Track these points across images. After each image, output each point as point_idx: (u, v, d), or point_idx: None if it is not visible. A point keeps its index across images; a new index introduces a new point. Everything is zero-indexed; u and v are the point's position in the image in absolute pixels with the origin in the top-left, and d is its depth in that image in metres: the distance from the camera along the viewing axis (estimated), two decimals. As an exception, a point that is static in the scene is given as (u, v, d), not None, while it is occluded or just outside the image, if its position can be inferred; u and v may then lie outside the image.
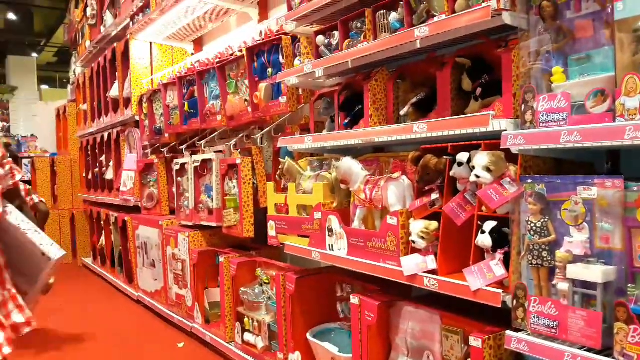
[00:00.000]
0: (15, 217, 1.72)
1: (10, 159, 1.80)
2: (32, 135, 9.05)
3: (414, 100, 1.67)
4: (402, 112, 1.69)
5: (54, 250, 1.72)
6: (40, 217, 2.88)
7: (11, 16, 12.72)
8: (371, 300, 1.69)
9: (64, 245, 5.56)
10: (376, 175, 1.78)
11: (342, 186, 1.82)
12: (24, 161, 8.13)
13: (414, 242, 1.51)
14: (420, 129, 1.49)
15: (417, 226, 1.50)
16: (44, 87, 17.06)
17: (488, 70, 1.50)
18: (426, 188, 1.56)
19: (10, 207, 1.73)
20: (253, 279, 2.54)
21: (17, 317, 1.67)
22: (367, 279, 1.91)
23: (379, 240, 1.62)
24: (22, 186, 2.03)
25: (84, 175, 5.36)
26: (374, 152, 2.01)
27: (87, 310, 3.78)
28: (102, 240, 4.74)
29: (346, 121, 1.87)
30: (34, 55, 15.54)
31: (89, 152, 5.13)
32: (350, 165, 1.76)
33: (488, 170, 1.32)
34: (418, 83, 1.71)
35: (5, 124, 14.22)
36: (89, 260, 5.28)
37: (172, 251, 3.16)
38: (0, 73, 15.76)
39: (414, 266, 1.51)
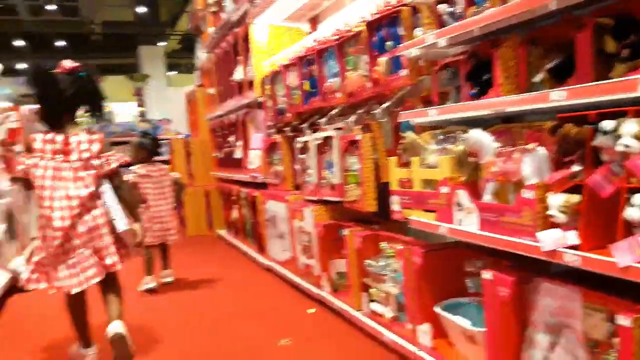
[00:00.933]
0: (107, 194, 2.36)
1: (111, 152, 2.41)
2: (166, 119, 9.87)
3: (549, 66, 1.56)
4: (536, 79, 1.59)
5: (119, 224, 2.36)
6: (177, 190, 3.96)
7: (140, 9, 13.75)
8: (505, 276, 1.65)
9: (200, 218, 6.10)
10: (508, 147, 1.71)
11: (471, 159, 1.77)
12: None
13: (553, 216, 1.44)
14: (559, 97, 1.40)
15: (557, 200, 1.42)
16: (172, 73, 18.42)
17: (635, 29, 1.36)
18: (565, 160, 1.46)
19: (106, 186, 2.36)
20: (377, 252, 2.59)
21: (108, 260, 2.32)
22: (498, 254, 1.86)
23: (514, 214, 1.56)
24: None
25: (215, 154, 5.75)
26: (502, 122, 1.93)
27: (224, 276, 4.11)
28: (235, 213, 5.09)
29: (473, 91, 1.80)
30: (161, 44, 16.75)
31: (219, 133, 5.48)
32: (479, 137, 1.70)
33: (638, 139, 1.21)
34: (552, 48, 1.60)
35: (142, 109, 15.63)
36: (223, 232, 5.71)
37: (298, 224, 3.31)
38: (133, 63, 17.26)
39: (553, 241, 1.44)
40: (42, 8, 13.14)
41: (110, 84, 17.99)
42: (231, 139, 5.03)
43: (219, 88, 5.21)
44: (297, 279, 3.46)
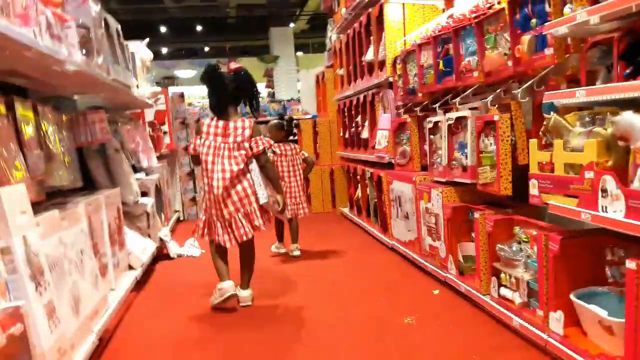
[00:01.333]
0: (255, 171, 2.93)
1: (259, 137, 2.97)
2: (294, 99, 10.26)
3: None
4: (703, 57, 1.47)
5: (261, 196, 2.91)
6: (307, 167, 4.35)
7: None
8: (654, 267, 1.56)
9: (324, 195, 6.33)
10: (665, 130, 1.59)
11: (621, 143, 1.68)
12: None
13: None
14: None
15: None
16: (299, 53, 18.98)
17: None
18: None
19: (254, 164, 2.94)
20: (509, 237, 2.54)
21: (256, 222, 2.93)
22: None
23: (668, 202, 1.47)
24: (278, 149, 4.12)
25: (342, 134, 5.91)
26: (659, 104, 1.79)
27: (347, 253, 4.26)
28: (358, 192, 5.23)
29: (627, 71, 1.70)
30: (291, 25, 17.28)
31: (346, 114, 5.62)
32: (632, 120, 1.61)
33: None
34: None
35: (270, 89, 16.35)
36: (346, 210, 5.88)
37: (425, 205, 3.33)
38: (265, 44, 18.05)
39: None
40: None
41: (244, 66, 19.11)
42: (358, 119, 5.14)
43: (348, 69, 5.33)
44: (422, 260, 3.50)
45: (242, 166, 2.86)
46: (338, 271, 3.76)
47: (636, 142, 1.61)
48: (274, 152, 4.11)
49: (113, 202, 3.23)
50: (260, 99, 3.21)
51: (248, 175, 2.91)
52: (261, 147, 2.93)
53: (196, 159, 2.97)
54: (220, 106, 2.96)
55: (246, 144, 2.90)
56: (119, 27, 3.60)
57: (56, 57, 2.10)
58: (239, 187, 2.87)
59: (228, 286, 3.00)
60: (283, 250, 4.35)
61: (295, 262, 4.08)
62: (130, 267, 3.47)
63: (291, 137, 4.69)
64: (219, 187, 2.82)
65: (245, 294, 3.09)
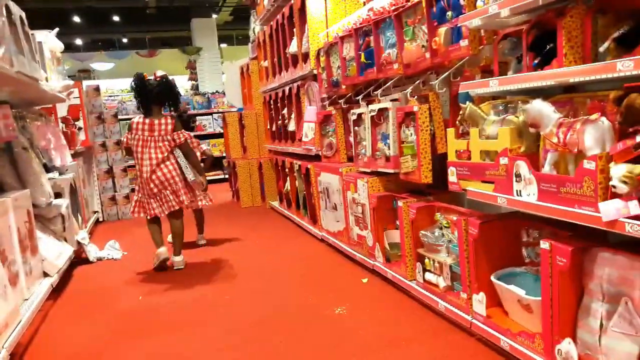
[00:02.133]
0: (180, 158, 3.69)
1: (180, 131, 3.69)
2: (219, 92, 10.06)
3: (615, 34, 1.53)
4: (601, 49, 1.57)
5: (189, 176, 3.68)
6: (206, 160, 4.77)
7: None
8: (564, 246, 1.66)
9: (253, 189, 6.26)
10: (570, 117, 1.69)
11: (532, 130, 1.77)
12: (214, 116, 9.14)
13: (614, 186, 1.43)
14: (626, 67, 1.38)
15: (619, 170, 1.42)
16: (223, 45, 18.61)
17: None
18: (630, 130, 1.45)
19: (178, 152, 3.69)
20: (432, 223, 2.62)
21: (181, 197, 3.68)
22: (555, 224, 1.86)
23: (574, 185, 1.57)
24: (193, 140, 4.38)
25: (268, 127, 5.86)
26: (564, 92, 1.90)
27: (278, 246, 4.25)
28: (287, 185, 5.21)
29: (536, 61, 1.79)
30: (214, 16, 16.89)
31: (272, 106, 5.57)
32: (540, 107, 1.69)
33: None
34: (621, 16, 1.56)
35: (194, 82, 15.95)
36: (275, 204, 5.85)
37: (352, 195, 3.37)
38: (187, 35, 17.54)
39: (615, 211, 1.44)
40: (99, -16, 13.51)
41: (164, 57, 18.46)
42: (285, 111, 5.11)
43: (272, 61, 5.28)
44: (351, 250, 3.54)
45: (166, 154, 3.63)
46: (269, 264, 3.74)
47: (545, 129, 1.70)
48: None
49: (22, 205, 3.01)
50: (180, 99, 3.89)
51: (173, 161, 3.66)
52: (182, 139, 3.70)
53: (129, 151, 3.74)
54: (147, 108, 3.70)
55: (169, 137, 3.65)
56: (23, 14, 3.34)
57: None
58: (165, 170, 3.62)
59: (163, 251, 3.69)
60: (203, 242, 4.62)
61: (225, 255, 4.01)
62: (45, 274, 3.25)
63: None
64: (147, 171, 3.60)
65: (178, 259, 3.79)
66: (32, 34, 3.63)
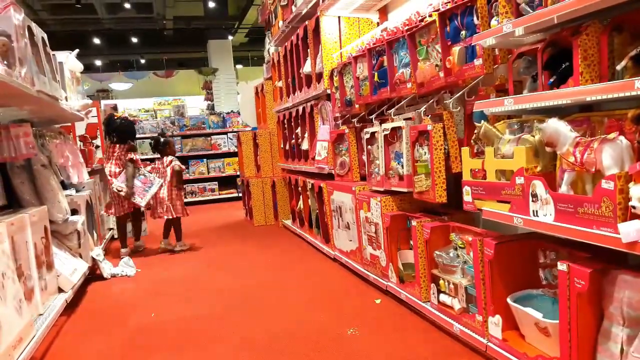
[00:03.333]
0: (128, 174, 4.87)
1: (132, 153, 5.02)
2: (234, 111, 10.16)
3: (633, 53, 1.51)
4: (618, 67, 1.55)
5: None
6: (174, 174, 5.07)
7: (210, 4, 14.08)
8: (582, 268, 1.62)
9: (266, 208, 6.27)
10: (587, 136, 1.67)
11: (548, 149, 1.75)
12: (229, 135, 9.21)
13: (634, 207, 1.40)
14: (645, 85, 1.36)
15: (639, 190, 1.39)
16: (239, 66, 18.84)
17: None
18: (650, 149, 1.42)
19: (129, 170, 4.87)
20: (446, 243, 2.59)
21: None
22: (573, 245, 1.83)
23: (592, 205, 1.54)
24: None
25: (282, 146, 5.88)
26: (580, 111, 1.88)
27: (290, 265, 4.22)
28: (300, 204, 5.20)
29: (551, 80, 1.77)
30: (230, 37, 17.13)
31: (285, 125, 5.60)
32: (557, 126, 1.68)
33: None
34: (638, 34, 1.55)
35: (210, 102, 16.12)
36: (288, 222, 5.84)
37: (365, 215, 3.35)
38: (203, 57, 17.79)
39: (635, 232, 1.41)
40: (119, 6, 13.79)
41: (181, 78, 18.73)
42: (298, 130, 5.13)
43: (287, 81, 5.32)
44: (363, 269, 3.51)
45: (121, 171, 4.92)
46: (281, 282, 3.71)
47: (562, 148, 1.68)
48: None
49: (39, 221, 3.04)
50: (128, 133, 5.12)
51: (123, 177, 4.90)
52: (127, 158, 4.94)
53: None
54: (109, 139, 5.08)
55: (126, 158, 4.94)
56: (45, 36, 3.42)
57: (-30, 66, 1.96)
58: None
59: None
60: (170, 247, 5.15)
61: (237, 273, 4.00)
62: (60, 290, 3.27)
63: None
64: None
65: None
66: (53, 55, 3.71)
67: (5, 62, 2.48)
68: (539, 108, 1.83)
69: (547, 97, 1.73)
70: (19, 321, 2.32)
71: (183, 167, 5.22)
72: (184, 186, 4.75)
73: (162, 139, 5.22)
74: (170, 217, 4.99)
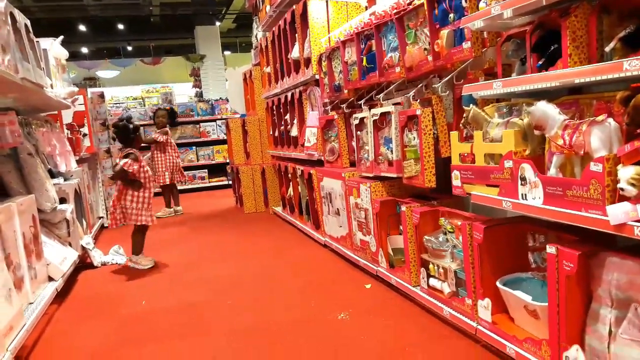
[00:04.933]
0: None
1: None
2: (223, 98, 10.07)
3: (622, 34, 1.51)
4: (607, 49, 1.54)
5: None
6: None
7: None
8: (570, 250, 1.63)
9: (256, 195, 6.26)
10: (576, 118, 1.67)
11: (536, 132, 1.74)
12: (218, 122, 9.15)
13: (622, 189, 1.41)
14: (632, 67, 1.35)
15: (627, 172, 1.39)
16: (227, 52, 18.68)
17: None
18: (638, 131, 1.42)
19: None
20: (435, 228, 2.59)
21: None
22: (561, 228, 1.84)
23: (581, 188, 1.54)
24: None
25: (271, 133, 5.85)
26: (569, 94, 1.88)
27: (281, 251, 4.22)
28: (290, 191, 5.19)
29: (540, 62, 1.76)
30: (217, 23, 16.96)
31: (274, 112, 5.57)
32: (545, 109, 1.67)
33: None
34: (627, 15, 1.54)
35: (198, 89, 15.99)
36: (278, 209, 5.83)
37: (354, 200, 3.35)
38: (190, 43, 17.61)
39: (622, 215, 1.41)
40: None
41: (169, 65, 18.54)
42: (287, 117, 5.10)
43: (275, 66, 5.27)
44: (354, 255, 3.51)
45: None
46: (271, 269, 3.71)
47: (551, 131, 1.68)
48: None
49: (27, 210, 3.01)
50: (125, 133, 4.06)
51: None
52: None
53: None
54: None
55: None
56: (28, 22, 3.35)
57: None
58: None
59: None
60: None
61: (228, 261, 3.99)
62: (50, 279, 3.24)
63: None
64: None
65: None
66: (37, 42, 3.64)
67: (-14, 49, 2.42)
68: (528, 91, 1.83)
69: (535, 80, 1.72)
70: (9, 310, 2.30)
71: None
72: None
73: (131, 126, 4.08)
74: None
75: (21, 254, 2.77)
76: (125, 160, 3.86)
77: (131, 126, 4.04)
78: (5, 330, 2.19)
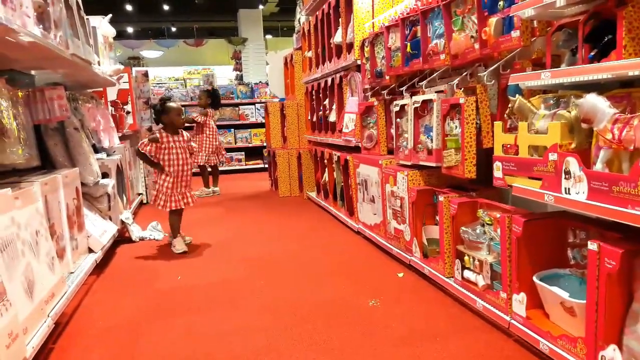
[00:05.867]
0: None
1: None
2: (263, 82, 10.13)
3: (682, 25, 1.44)
4: (665, 40, 1.48)
5: None
6: None
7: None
8: (613, 248, 1.58)
9: (292, 179, 6.29)
10: (627, 113, 1.61)
11: (584, 125, 1.69)
12: (257, 105, 9.23)
13: (673, 187, 1.36)
14: (693, 59, 1.30)
15: (680, 169, 1.34)
16: (268, 36, 18.71)
17: None
18: (694, 127, 1.36)
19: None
20: (473, 219, 2.56)
21: None
22: (604, 225, 1.79)
23: (628, 184, 1.49)
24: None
25: (309, 118, 5.86)
26: (621, 87, 1.81)
27: (314, 236, 4.25)
28: (325, 176, 5.20)
29: (592, 54, 1.70)
30: (260, 7, 16.98)
31: (313, 97, 5.57)
32: (595, 102, 1.62)
33: None
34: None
35: (239, 72, 16.11)
36: (313, 194, 5.86)
37: (390, 189, 3.33)
38: (233, 26, 17.71)
39: (672, 214, 1.37)
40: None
41: (211, 47, 18.73)
42: (326, 102, 5.10)
43: (316, 51, 5.26)
44: (387, 243, 3.51)
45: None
46: (303, 253, 3.74)
47: (599, 124, 1.62)
48: None
49: (71, 182, 3.12)
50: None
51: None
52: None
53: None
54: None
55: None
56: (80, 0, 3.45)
57: (9, 25, 1.98)
58: None
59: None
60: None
61: (261, 242, 4.05)
62: (90, 250, 3.36)
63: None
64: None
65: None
66: (87, 19, 3.74)
67: (41, 26, 2.50)
68: (577, 83, 1.77)
69: (586, 71, 1.67)
70: (51, 277, 2.40)
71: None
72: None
73: (158, 106, 4.00)
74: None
75: (64, 225, 2.88)
76: (144, 140, 3.90)
77: (158, 106, 3.93)
78: (47, 297, 2.28)
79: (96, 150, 4.11)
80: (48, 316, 2.23)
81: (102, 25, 4.58)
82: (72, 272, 2.90)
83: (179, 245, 3.94)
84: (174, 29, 19.85)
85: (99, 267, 3.43)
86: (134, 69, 7.01)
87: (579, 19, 1.78)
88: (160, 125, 4.02)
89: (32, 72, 3.59)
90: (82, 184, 3.42)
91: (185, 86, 11.79)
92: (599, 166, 1.66)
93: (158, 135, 3.86)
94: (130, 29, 19.36)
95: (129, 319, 2.65)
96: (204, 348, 2.28)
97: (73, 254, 2.98)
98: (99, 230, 3.56)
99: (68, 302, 2.55)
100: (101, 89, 5.42)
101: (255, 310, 2.68)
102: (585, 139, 1.77)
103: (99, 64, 4.15)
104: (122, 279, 3.35)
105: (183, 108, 4.15)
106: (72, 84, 4.25)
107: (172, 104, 3.92)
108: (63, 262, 2.78)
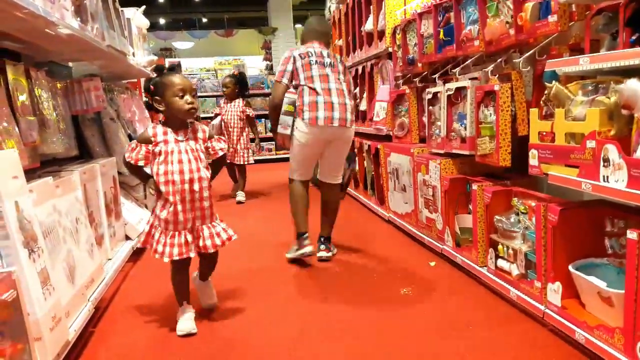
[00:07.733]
0: None
1: None
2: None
3: None
4: None
5: None
6: None
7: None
8: (654, 237, 1.55)
9: (322, 168, 6.27)
10: (670, 98, 1.56)
11: (624, 112, 1.65)
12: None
13: None
14: None
15: None
16: (298, 25, 18.66)
17: None
18: None
19: None
20: (507, 208, 2.52)
21: None
22: (644, 214, 1.75)
23: (671, 171, 1.45)
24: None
25: (339, 106, 5.83)
26: (664, 72, 1.75)
27: (344, 224, 4.21)
28: (356, 165, 5.19)
29: (633, 38, 1.66)
30: (291, -5, 16.90)
31: (344, 85, 5.54)
32: (636, 87, 1.57)
33: None
34: None
35: (269, 62, 16.15)
36: (343, 183, 5.85)
37: (422, 177, 3.31)
38: (263, 16, 17.72)
39: None
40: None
41: (241, 38, 18.82)
42: (357, 91, 5.08)
43: (347, 39, 5.24)
44: (418, 232, 3.49)
45: None
46: (335, 241, 3.74)
47: (640, 111, 1.58)
48: None
49: (109, 172, 3.21)
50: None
51: None
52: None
53: None
54: None
55: None
56: (114, -8, 3.52)
57: (48, 18, 2.04)
58: None
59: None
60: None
61: (291, 231, 4.08)
62: (127, 238, 3.46)
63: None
64: None
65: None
66: (122, 11, 3.81)
67: (78, 18, 2.57)
68: (617, 68, 1.72)
69: (628, 56, 1.62)
70: (90, 263, 2.48)
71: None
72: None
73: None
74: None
75: (102, 213, 2.97)
76: (131, 143, 2.92)
77: (151, 82, 2.36)
78: (87, 282, 2.36)
79: (131, 139, 4.19)
80: (88, 301, 2.31)
81: (136, 16, 4.66)
82: (110, 259, 3.00)
83: (181, 330, 2.34)
84: (204, 20, 20.02)
85: (135, 255, 3.52)
86: (167, 60, 7.11)
87: (619, 2, 1.73)
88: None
89: (70, 64, 3.69)
90: (119, 173, 3.51)
91: (217, 77, 11.90)
92: (639, 153, 1.62)
93: (151, 132, 2.29)
94: (162, 21, 19.60)
95: (165, 304, 2.72)
96: (240, 332, 2.32)
97: (111, 241, 3.07)
98: (136, 218, 3.65)
99: (107, 288, 2.64)
100: (135, 80, 5.52)
101: (285, 297, 2.71)
102: (626, 126, 1.72)
103: (134, 55, 4.23)
104: (158, 266, 3.41)
105: (194, 85, 2.94)
106: (108, 75, 4.35)
107: (171, 78, 2.28)
108: (101, 249, 2.88)
